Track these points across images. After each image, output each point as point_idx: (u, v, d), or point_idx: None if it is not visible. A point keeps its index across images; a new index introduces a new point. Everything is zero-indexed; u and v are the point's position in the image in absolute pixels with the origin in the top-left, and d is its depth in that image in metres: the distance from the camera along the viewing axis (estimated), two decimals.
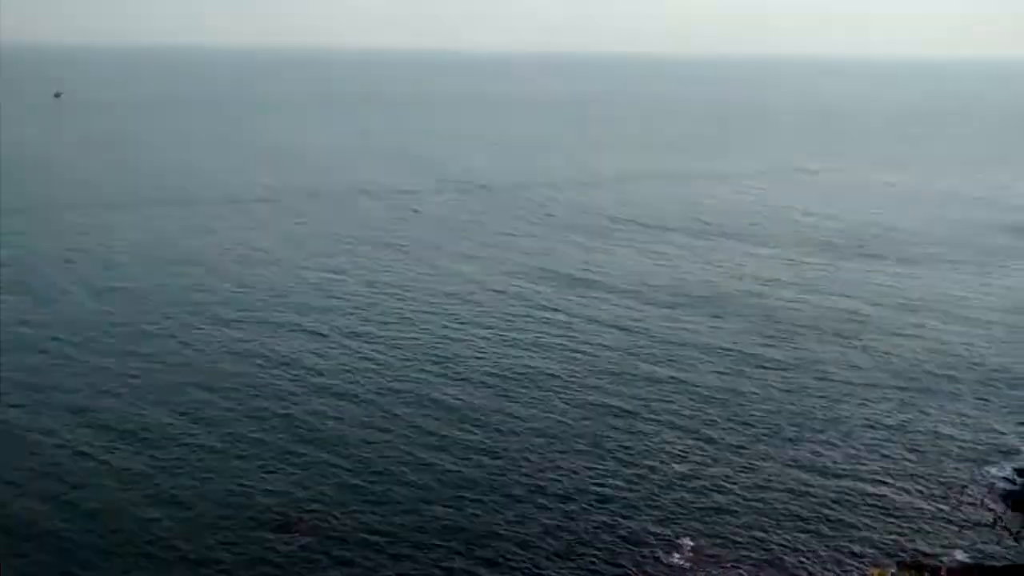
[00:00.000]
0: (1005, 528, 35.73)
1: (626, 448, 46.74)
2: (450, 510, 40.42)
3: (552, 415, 50.58)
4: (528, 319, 68.14)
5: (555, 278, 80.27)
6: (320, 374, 56.38)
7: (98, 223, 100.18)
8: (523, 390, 54.16)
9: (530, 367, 57.97)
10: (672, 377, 56.56)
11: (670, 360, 59.59)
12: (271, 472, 43.52)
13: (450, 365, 58.16)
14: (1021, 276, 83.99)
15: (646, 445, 47.13)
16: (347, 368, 57.44)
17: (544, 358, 59.66)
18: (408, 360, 58.97)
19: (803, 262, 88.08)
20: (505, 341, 63.06)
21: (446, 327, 65.94)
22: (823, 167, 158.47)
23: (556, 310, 70.51)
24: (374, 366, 57.87)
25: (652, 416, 50.75)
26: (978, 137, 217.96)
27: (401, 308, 70.55)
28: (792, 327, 67.05)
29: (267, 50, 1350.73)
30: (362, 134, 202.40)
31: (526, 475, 43.65)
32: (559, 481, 43.17)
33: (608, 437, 47.93)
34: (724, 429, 49.27)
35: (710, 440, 47.88)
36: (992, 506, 41.69)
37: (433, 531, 38.85)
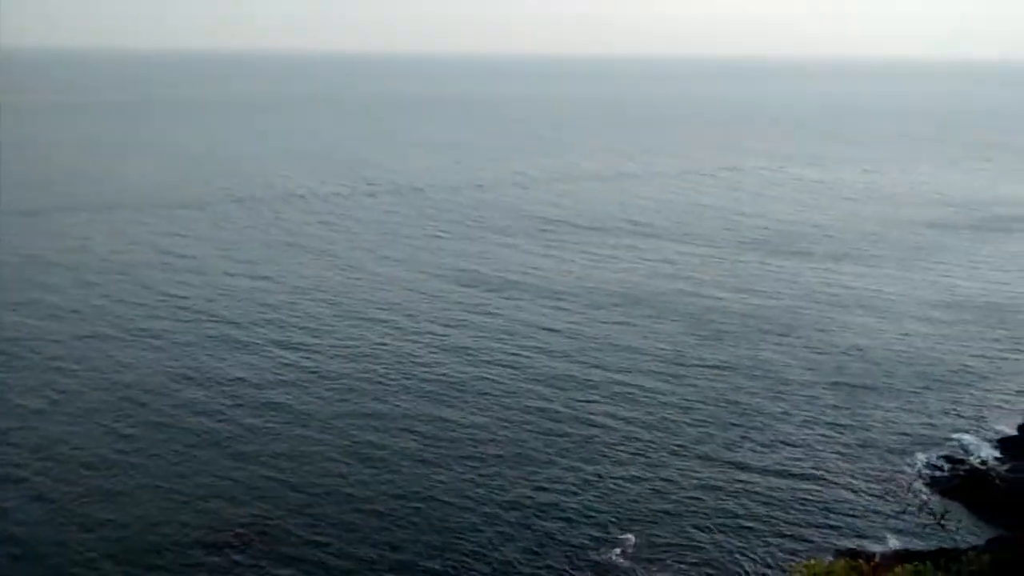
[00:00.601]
0: (931, 514, 36.92)
1: (564, 452, 46.66)
2: (387, 521, 39.82)
3: (488, 421, 50.17)
4: (462, 324, 67.46)
5: (487, 281, 79.73)
6: (247, 385, 54.84)
7: (10, 230, 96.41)
8: (458, 396, 53.60)
9: (465, 373, 57.43)
10: (608, 379, 56.64)
11: (605, 363, 59.62)
12: (201, 488, 42.29)
13: (382, 373, 57.17)
14: (944, 270, 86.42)
15: (583, 449, 47.13)
16: (276, 379, 55.99)
17: (479, 364, 59.13)
18: (339, 369, 57.87)
19: (733, 260, 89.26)
20: (439, 347, 62.30)
21: (378, 335, 64.82)
22: (750, 165, 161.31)
23: (490, 314, 70.05)
24: (304, 376, 56.60)
25: (589, 419, 50.77)
26: (902, 134, 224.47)
27: (330, 316, 69.20)
28: (725, 326, 67.89)
29: (183, 52, 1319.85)
30: (283, 137, 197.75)
31: (464, 483, 43.26)
32: (497, 488, 42.88)
33: (545, 442, 47.76)
34: (660, 431, 49.56)
35: (647, 442, 48.13)
36: (921, 493, 42.86)
37: (370, 543, 38.22)
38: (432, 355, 60.60)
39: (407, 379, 56.18)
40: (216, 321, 67.29)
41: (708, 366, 59.16)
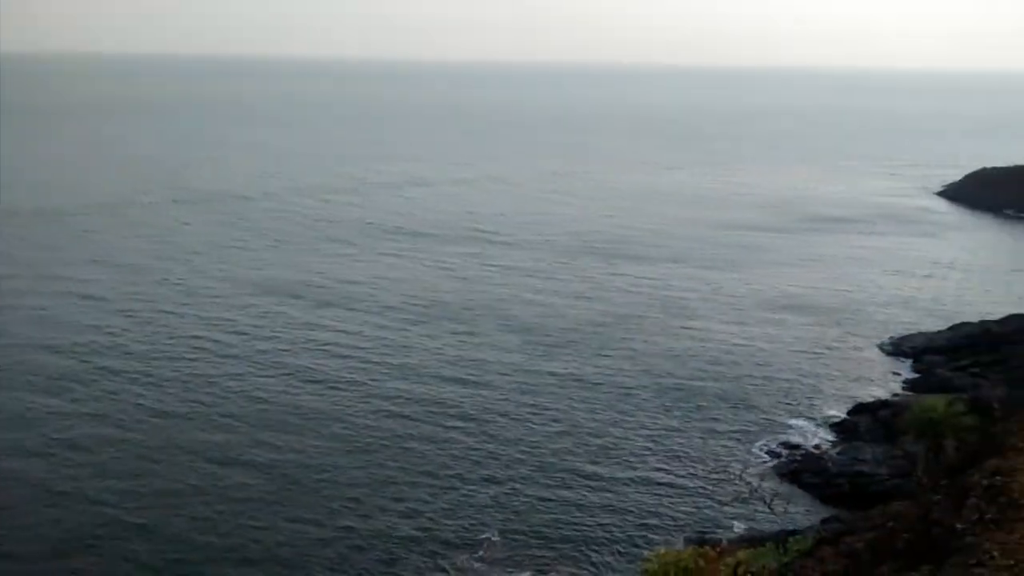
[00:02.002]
0: (761, 498, 38.56)
1: (414, 464, 46.50)
2: (239, 534, 38.58)
3: (327, 441, 48.51)
4: (293, 342, 63.68)
5: (317, 295, 75.82)
6: (65, 403, 51.63)
7: None
8: (294, 419, 51.40)
9: (300, 394, 54.80)
10: (451, 391, 56.20)
11: (446, 374, 58.32)
12: (36, 509, 39.68)
13: (205, 401, 53.11)
14: (775, 270, 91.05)
15: (432, 460, 47.09)
16: (78, 411, 51.53)
17: (314, 383, 56.29)
18: (163, 387, 54.54)
19: (572, 266, 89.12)
20: (269, 368, 58.41)
21: (197, 357, 60.23)
22: (586, 170, 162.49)
23: (322, 329, 66.34)
24: (121, 394, 53.33)
25: (434, 433, 50.56)
26: (740, 138, 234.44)
27: (151, 333, 64.66)
28: (567, 331, 68.25)
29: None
30: (92, 144, 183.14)
31: (314, 500, 42.43)
32: (350, 501, 42.32)
33: (392, 455, 47.33)
34: (509, 437, 50.12)
35: (497, 448, 48.60)
36: (762, 480, 45.23)
37: (226, 557, 36.93)
38: (263, 378, 56.74)
39: (234, 405, 52.30)
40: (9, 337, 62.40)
41: (552, 372, 59.45)
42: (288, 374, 57.67)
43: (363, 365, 59.69)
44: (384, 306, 73.49)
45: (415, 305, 74.08)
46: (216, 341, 63.38)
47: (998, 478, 11.30)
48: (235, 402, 52.89)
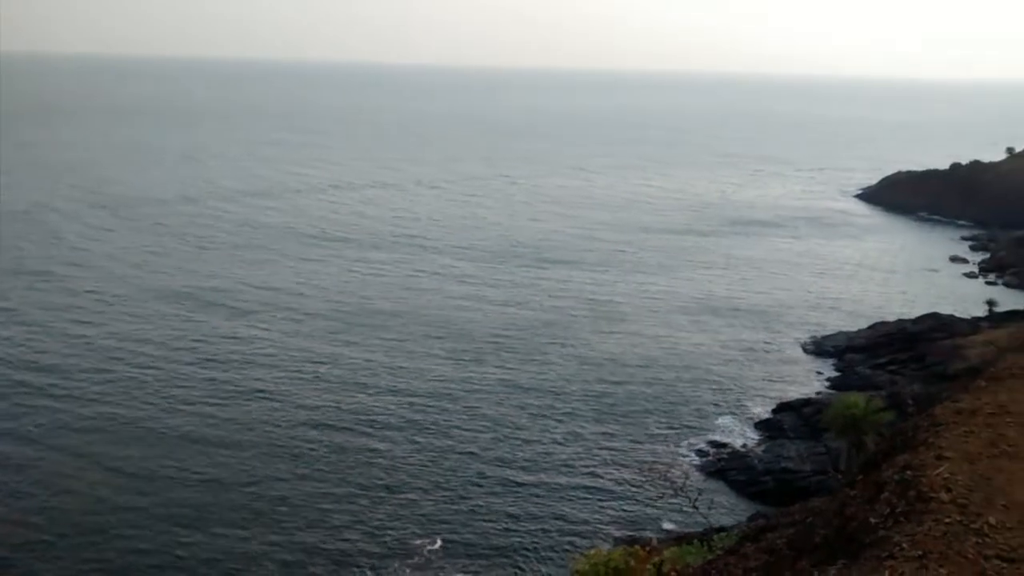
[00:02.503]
0: (686, 496, 38.84)
1: (351, 475, 46.16)
2: (162, 552, 37.71)
3: (259, 453, 47.98)
4: (209, 349, 62.39)
5: (231, 302, 73.91)
6: None
7: None
8: (217, 430, 50.84)
9: (222, 407, 53.78)
10: (381, 402, 56.14)
11: (367, 383, 57.63)
12: None
13: (127, 404, 52.15)
14: (701, 273, 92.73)
15: (369, 470, 46.82)
16: (2, 413, 50.46)
17: (235, 396, 54.98)
18: (78, 400, 52.80)
19: (485, 270, 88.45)
20: (183, 379, 56.57)
21: (116, 363, 58.78)
22: (493, 173, 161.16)
23: (238, 340, 64.75)
24: (33, 409, 51.44)
25: (366, 444, 50.34)
26: (650, 141, 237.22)
27: (65, 344, 62.32)
28: (498, 336, 68.54)
29: None
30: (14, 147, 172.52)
31: (237, 508, 41.75)
32: (287, 514, 41.77)
33: (326, 466, 46.99)
34: (444, 445, 50.12)
35: (432, 456, 48.54)
36: (690, 478, 45.88)
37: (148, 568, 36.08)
38: (183, 389, 55.09)
39: (152, 419, 50.68)
40: None
41: (482, 378, 59.48)
42: (211, 385, 56.24)
43: (288, 375, 58.50)
44: (308, 314, 72.19)
45: (340, 312, 72.87)
46: (134, 352, 61.52)
47: (909, 472, 11.71)
48: (154, 415, 51.36)
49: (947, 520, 10.39)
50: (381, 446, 48.63)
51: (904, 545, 9.97)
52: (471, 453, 48.16)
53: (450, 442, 49.43)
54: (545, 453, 48.52)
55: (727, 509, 43.61)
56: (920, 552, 9.80)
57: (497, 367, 61.39)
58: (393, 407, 54.02)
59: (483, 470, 46.27)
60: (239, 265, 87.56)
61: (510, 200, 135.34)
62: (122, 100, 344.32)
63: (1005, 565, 9.77)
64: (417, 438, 49.81)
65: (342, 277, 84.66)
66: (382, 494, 43.36)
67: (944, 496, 10.81)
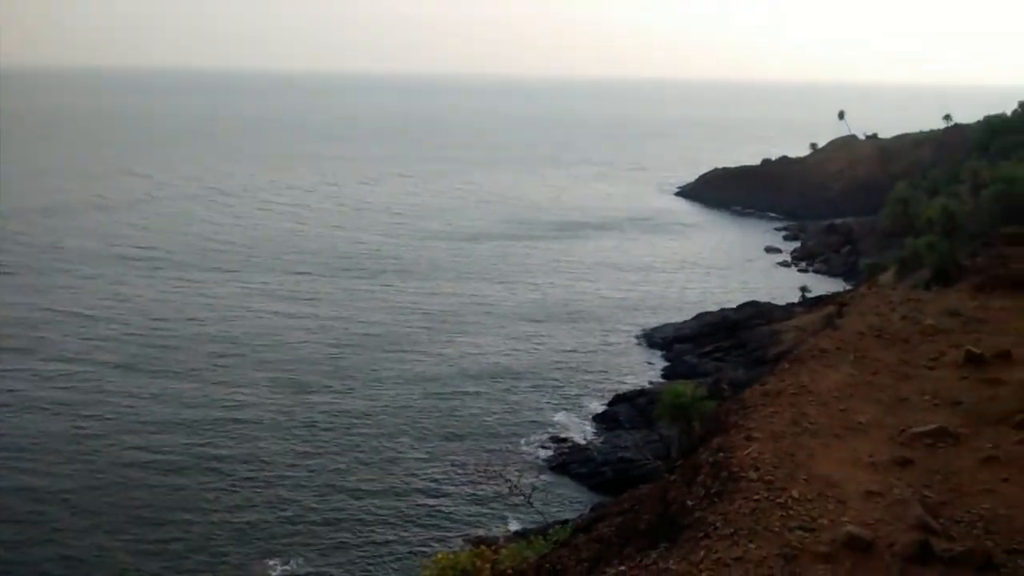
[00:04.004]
0: (522, 494, 38.83)
1: (177, 501, 44.44)
2: None
3: (76, 484, 45.03)
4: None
5: (12, 332, 66.58)
6: None
7: None
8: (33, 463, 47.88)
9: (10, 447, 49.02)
10: (186, 437, 53.85)
11: (178, 419, 53.02)
12: None
13: None
14: (529, 278, 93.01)
15: (201, 495, 45.23)
16: None
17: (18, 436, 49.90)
18: None
19: (309, 285, 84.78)
20: None
21: None
22: (303, 181, 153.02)
23: (27, 376, 58.51)
24: None
25: (192, 465, 48.75)
26: (451, 147, 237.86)
27: None
28: (321, 355, 65.42)
29: None
30: None
31: (83, 540, 39.37)
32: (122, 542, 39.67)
33: (144, 496, 45.11)
34: (282, 464, 49.05)
35: (272, 476, 47.39)
36: (533, 475, 46.82)
37: None
38: None
39: None
40: None
41: (314, 398, 56.96)
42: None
43: (84, 417, 52.89)
44: (104, 343, 65.45)
45: (146, 345, 65.63)
46: None
47: (721, 454, 12.48)
48: None
49: (755, 497, 11.18)
50: (206, 480, 46.76)
51: (718, 524, 10.65)
52: (312, 472, 47.20)
53: (289, 462, 48.23)
54: (386, 467, 48.08)
55: (571, 501, 44.76)
56: (732, 530, 10.50)
57: (327, 386, 59.11)
58: (213, 437, 51.61)
59: (324, 490, 45.28)
60: (31, 293, 77.79)
61: (318, 208, 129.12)
62: None
63: (807, 535, 10.63)
64: (249, 465, 48.04)
65: (143, 302, 76.59)
66: (222, 517, 41.78)
67: (752, 475, 11.61)
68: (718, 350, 66.15)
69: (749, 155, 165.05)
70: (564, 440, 52.31)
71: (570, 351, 68.02)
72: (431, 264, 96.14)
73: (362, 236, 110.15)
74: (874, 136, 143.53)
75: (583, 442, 52.00)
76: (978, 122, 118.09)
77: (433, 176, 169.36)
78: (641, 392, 57.64)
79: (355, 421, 53.56)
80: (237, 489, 44.77)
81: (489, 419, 54.63)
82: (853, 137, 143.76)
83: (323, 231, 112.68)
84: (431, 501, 44.29)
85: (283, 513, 42.58)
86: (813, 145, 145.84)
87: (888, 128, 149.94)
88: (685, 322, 74.01)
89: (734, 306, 76.20)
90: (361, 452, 49.47)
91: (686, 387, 44.46)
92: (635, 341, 71.32)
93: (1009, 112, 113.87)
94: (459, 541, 39.92)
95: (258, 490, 44.76)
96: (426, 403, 56.71)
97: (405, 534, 41.15)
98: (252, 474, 46.40)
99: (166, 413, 53.76)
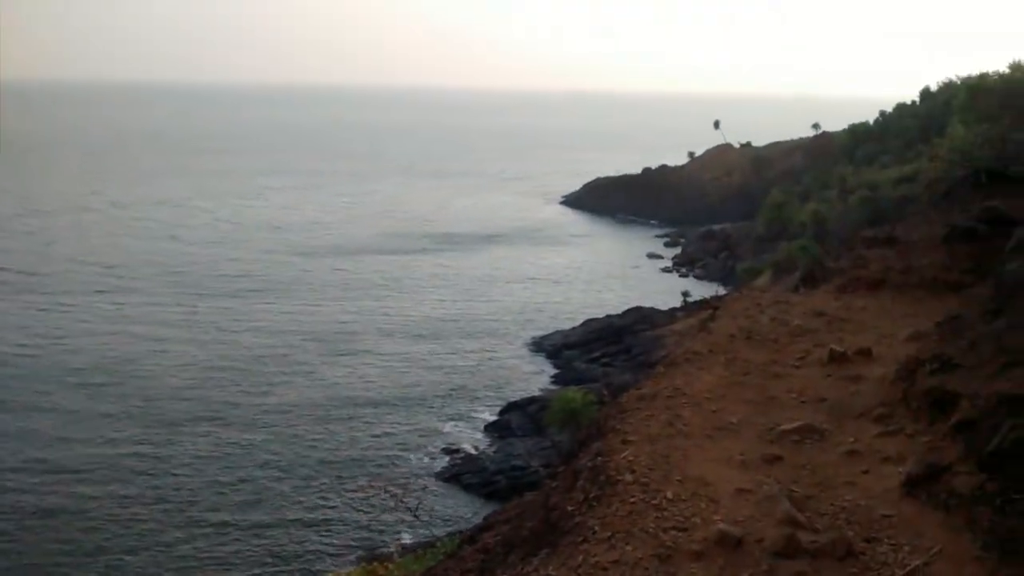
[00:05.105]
0: (408, 508, 38.41)
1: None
2: None
3: None
4: None
5: None
6: None
7: None
8: None
9: None
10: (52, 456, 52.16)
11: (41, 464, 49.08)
12: None
13: None
14: (394, 298, 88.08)
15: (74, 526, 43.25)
16: None
17: None
18: None
19: (191, 307, 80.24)
20: None
21: None
22: (180, 196, 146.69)
23: None
24: None
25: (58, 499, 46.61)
26: (311, 159, 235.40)
27: None
28: (192, 384, 61.42)
29: None
30: None
31: None
32: None
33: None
34: (152, 497, 47.38)
35: (145, 510, 45.70)
36: (425, 488, 46.66)
37: None
38: None
39: None
40: None
41: (185, 428, 53.74)
42: None
43: None
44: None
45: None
46: None
47: (600, 458, 12.74)
48: None
49: (632, 500, 11.49)
50: (58, 523, 44.77)
51: (596, 528, 10.90)
52: (189, 502, 45.28)
53: (159, 502, 46.47)
54: (273, 489, 46.79)
55: (464, 512, 44.68)
56: (609, 533, 10.76)
57: (204, 416, 56.07)
58: (77, 476, 48.61)
59: (204, 518, 43.64)
60: None
61: (212, 225, 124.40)
62: None
63: (680, 534, 10.98)
64: (111, 502, 45.57)
65: (7, 324, 71.75)
66: (78, 561, 39.78)
67: (629, 477, 11.93)
68: (605, 356, 67.38)
69: (631, 163, 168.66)
70: (456, 451, 52.28)
71: (461, 363, 68.04)
72: (314, 281, 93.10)
73: (240, 253, 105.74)
74: (748, 144, 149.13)
75: (475, 452, 52.11)
76: (843, 130, 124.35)
77: (312, 189, 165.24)
78: (532, 399, 58.14)
79: (235, 452, 51.36)
80: (99, 529, 42.53)
81: (378, 437, 54.01)
82: (728, 146, 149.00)
83: (198, 248, 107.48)
84: (321, 525, 43.39)
85: (154, 553, 40.78)
86: (691, 154, 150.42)
87: (761, 136, 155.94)
88: (573, 329, 75.13)
89: (619, 312, 77.78)
90: (244, 484, 47.52)
91: (576, 393, 45.49)
92: (525, 350, 71.94)
93: (871, 121, 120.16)
94: (350, 560, 39.43)
95: (120, 535, 42.37)
96: (311, 427, 55.12)
97: (296, 561, 40.16)
98: (114, 516, 43.71)
99: (27, 452, 49.89)
